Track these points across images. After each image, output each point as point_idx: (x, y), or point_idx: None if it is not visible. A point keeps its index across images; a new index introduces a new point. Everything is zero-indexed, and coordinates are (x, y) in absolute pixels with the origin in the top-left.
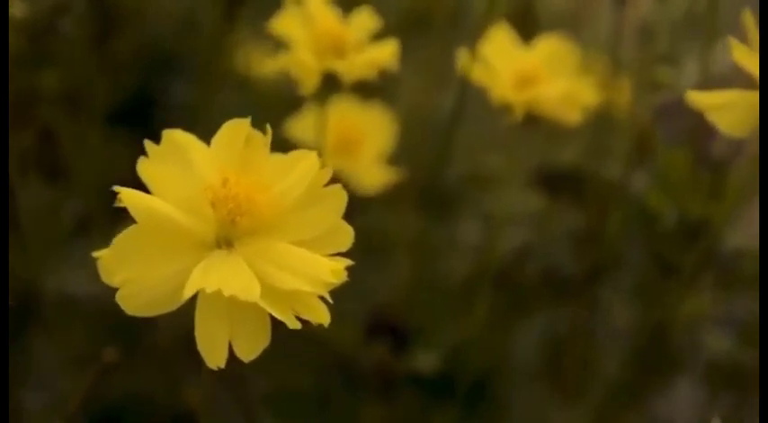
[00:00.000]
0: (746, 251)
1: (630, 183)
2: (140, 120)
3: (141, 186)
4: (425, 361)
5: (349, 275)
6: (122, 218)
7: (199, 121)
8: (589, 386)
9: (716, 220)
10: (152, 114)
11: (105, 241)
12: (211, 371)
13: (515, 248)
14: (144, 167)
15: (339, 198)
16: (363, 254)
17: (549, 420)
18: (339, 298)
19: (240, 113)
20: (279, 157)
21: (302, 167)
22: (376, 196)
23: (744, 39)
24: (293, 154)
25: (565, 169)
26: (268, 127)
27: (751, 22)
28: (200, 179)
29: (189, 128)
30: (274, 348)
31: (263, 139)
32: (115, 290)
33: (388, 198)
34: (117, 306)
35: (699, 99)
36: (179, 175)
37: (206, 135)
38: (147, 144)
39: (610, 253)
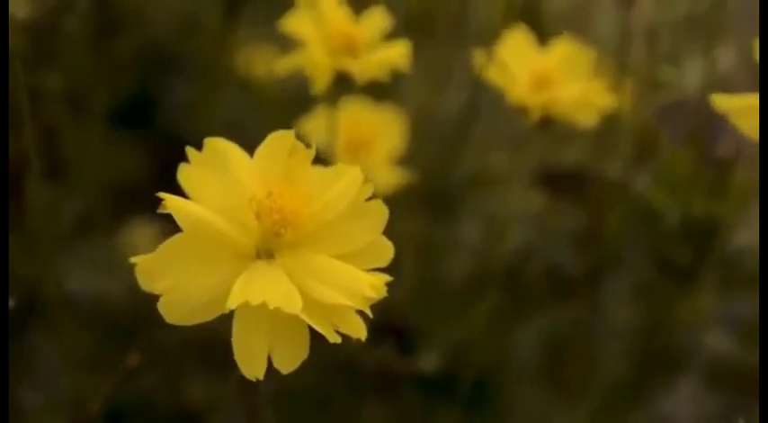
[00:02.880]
0: (749, 251)
1: (633, 182)
2: (141, 120)
3: (143, 185)
4: (427, 361)
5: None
6: (123, 217)
7: (200, 121)
8: (590, 386)
9: (718, 220)
10: (153, 114)
11: (106, 240)
12: (215, 371)
13: (517, 248)
14: (185, 174)
15: (380, 213)
16: None
17: (550, 420)
18: None
19: (241, 113)
20: (321, 169)
21: (345, 181)
22: (380, 197)
23: (748, 39)
24: (336, 168)
25: (567, 169)
26: (313, 142)
27: None
28: (244, 189)
29: (189, 128)
30: None
31: (306, 152)
32: (117, 289)
33: (392, 198)
34: (118, 305)
35: (721, 102)
36: (220, 183)
37: (206, 135)
38: (189, 150)
39: (612, 252)
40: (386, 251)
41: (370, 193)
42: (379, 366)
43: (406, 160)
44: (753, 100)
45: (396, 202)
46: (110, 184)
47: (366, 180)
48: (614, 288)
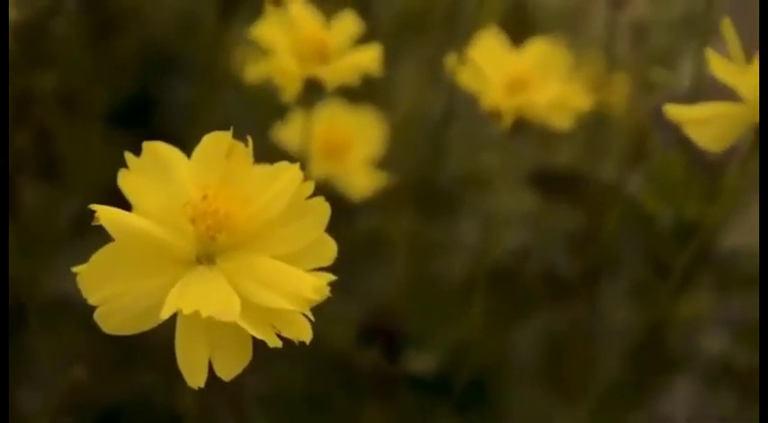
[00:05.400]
0: (743, 252)
1: (626, 184)
2: (140, 120)
3: None
4: (422, 362)
5: (346, 276)
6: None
7: (198, 121)
8: (589, 386)
9: (712, 222)
10: (151, 115)
11: (104, 241)
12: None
13: (514, 249)
14: (125, 180)
15: (322, 211)
16: (360, 255)
17: (549, 420)
18: (337, 299)
19: (240, 114)
20: (262, 168)
21: (284, 180)
22: (372, 198)
23: (742, 39)
24: (277, 166)
25: (560, 170)
26: (249, 138)
27: (730, 31)
28: (181, 193)
29: (189, 128)
30: (269, 348)
31: (245, 151)
32: None
33: (385, 200)
34: None
35: (677, 112)
36: (160, 188)
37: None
38: (128, 156)
39: (606, 254)
40: (329, 250)
41: (310, 191)
42: (375, 367)
43: (399, 161)
44: (707, 110)
45: (389, 202)
46: (108, 184)
47: (306, 178)
48: (612, 289)
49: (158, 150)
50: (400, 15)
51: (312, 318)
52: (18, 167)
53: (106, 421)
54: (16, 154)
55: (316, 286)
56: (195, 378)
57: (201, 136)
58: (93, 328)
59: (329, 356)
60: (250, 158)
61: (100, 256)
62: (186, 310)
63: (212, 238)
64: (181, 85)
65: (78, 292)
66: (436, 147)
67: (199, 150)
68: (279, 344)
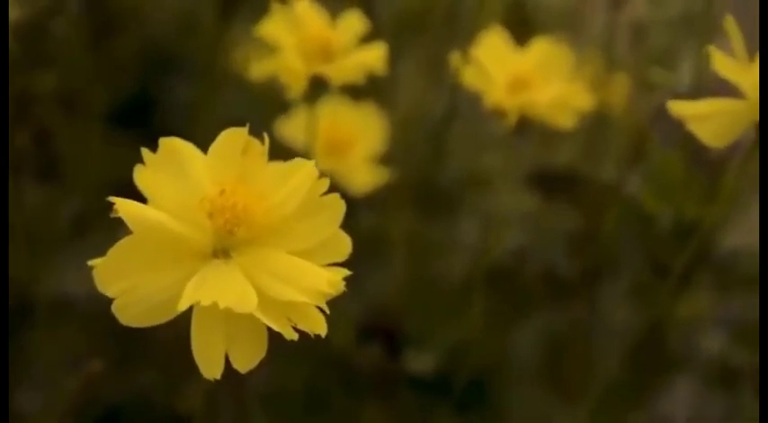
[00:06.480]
0: (742, 252)
1: (626, 184)
2: (140, 120)
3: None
4: (422, 362)
5: (346, 276)
6: (121, 220)
7: (199, 120)
8: (589, 386)
9: (711, 222)
10: (152, 114)
11: (104, 242)
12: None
13: (512, 249)
14: (141, 176)
15: (337, 207)
16: (360, 254)
17: (549, 420)
18: (336, 298)
19: (240, 113)
20: (277, 165)
21: (299, 176)
22: (373, 196)
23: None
24: (292, 162)
25: (560, 170)
26: (265, 135)
27: (733, 27)
28: (198, 189)
29: (189, 128)
30: (271, 347)
31: (260, 148)
32: None
33: (385, 198)
34: None
35: (680, 108)
36: (176, 183)
37: (206, 135)
38: (145, 152)
39: (606, 254)
40: (343, 246)
41: (325, 188)
42: (375, 367)
43: (400, 160)
44: (710, 106)
45: (389, 201)
46: (108, 184)
47: (321, 175)
48: (612, 289)
49: (175, 146)
50: (402, 14)
51: (327, 311)
52: (18, 167)
53: (106, 421)
54: (16, 154)
55: (331, 281)
56: (211, 370)
57: (202, 136)
58: (93, 328)
59: (329, 355)
60: (265, 155)
61: (117, 249)
62: (204, 302)
63: (230, 232)
64: (181, 85)
65: (78, 291)
66: (437, 146)
67: (215, 147)
68: (295, 336)
